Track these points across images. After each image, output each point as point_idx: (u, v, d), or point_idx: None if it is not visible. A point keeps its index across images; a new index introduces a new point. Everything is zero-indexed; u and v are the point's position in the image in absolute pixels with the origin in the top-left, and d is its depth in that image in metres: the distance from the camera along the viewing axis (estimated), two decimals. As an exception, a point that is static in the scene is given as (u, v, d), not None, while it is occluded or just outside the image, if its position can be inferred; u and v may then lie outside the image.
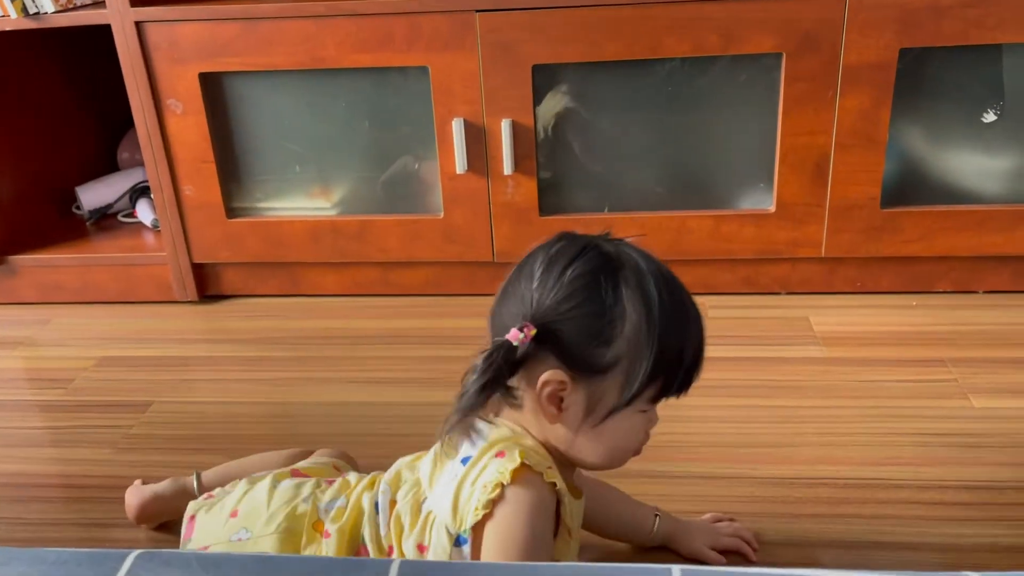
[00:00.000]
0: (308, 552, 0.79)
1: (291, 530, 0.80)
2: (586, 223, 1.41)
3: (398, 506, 0.79)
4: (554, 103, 1.39)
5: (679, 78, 1.35)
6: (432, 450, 0.78)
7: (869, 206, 1.35)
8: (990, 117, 1.33)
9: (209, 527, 0.84)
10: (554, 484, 0.72)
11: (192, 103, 1.40)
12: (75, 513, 1.05)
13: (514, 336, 0.70)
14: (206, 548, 0.81)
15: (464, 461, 0.75)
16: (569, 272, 0.71)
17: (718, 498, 0.99)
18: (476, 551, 0.73)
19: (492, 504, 0.71)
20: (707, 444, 1.09)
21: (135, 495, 0.98)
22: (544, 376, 0.71)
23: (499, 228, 1.43)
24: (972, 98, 1.33)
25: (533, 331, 0.70)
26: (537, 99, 1.35)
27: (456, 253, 1.47)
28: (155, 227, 1.61)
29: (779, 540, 0.93)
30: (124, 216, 1.71)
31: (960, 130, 1.36)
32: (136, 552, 0.57)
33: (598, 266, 0.72)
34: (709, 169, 1.42)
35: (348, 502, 0.82)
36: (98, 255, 1.56)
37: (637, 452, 0.77)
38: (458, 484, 0.73)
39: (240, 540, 0.81)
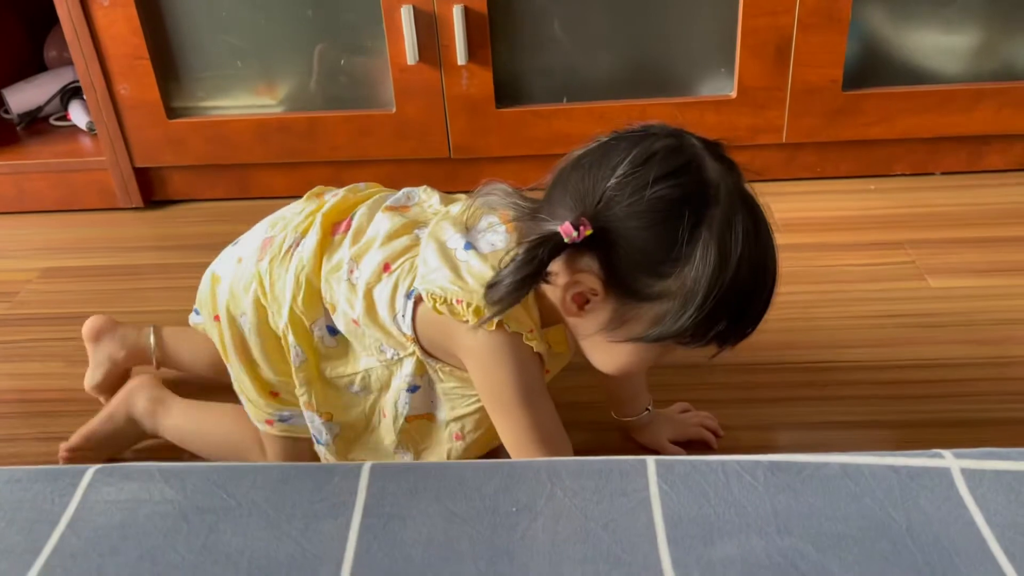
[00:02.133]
0: (299, 203, 0.86)
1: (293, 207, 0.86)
2: (545, 115, 1.36)
3: (407, 213, 0.82)
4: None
5: (637, -43, 1.29)
6: (464, 205, 0.78)
7: (830, 89, 1.33)
8: (953, -8, 1.30)
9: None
10: (531, 348, 0.72)
11: (119, -6, 1.31)
12: (34, 428, 1.02)
13: (567, 231, 0.64)
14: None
15: (467, 247, 0.73)
16: (655, 188, 0.63)
17: (683, 386, 1.00)
18: (414, 314, 0.74)
19: (452, 315, 0.70)
20: (670, 334, 1.09)
21: (97, 318, 1.03)
22: (577, 276, 0.67)
23: (454, 122, 1.38)
24: (935, -27, 1.30)
25: (589, 231, 0.64)
26: (489, -17, 1.29)
27: (410, 149, 1.42)
28: (91, 130, 1.53)
29: (740, 424, 0.95)
30: (56, 119, 1.61)
31: (922, 6, 1.33)
32: (95, 467, 0.55)
33: (689, 195, 0.63)
34: (669, 54, 1.38)
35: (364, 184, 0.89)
36: (32, 161, 1.48)
37: (643, 371, 0.75)
38: (447, 262, 0.73)
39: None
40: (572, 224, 0.64)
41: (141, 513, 0.52)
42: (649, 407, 0.92)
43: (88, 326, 1.03)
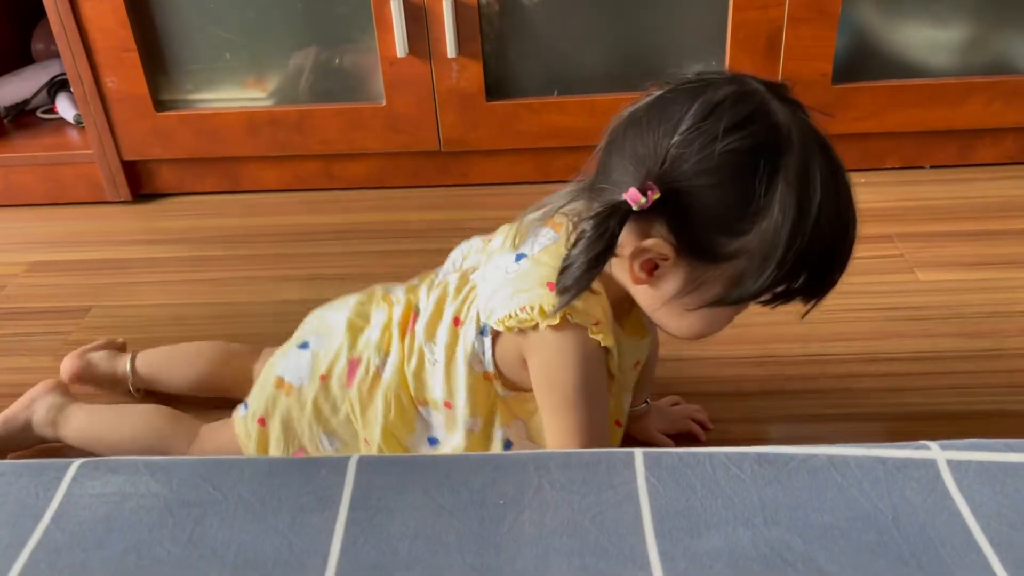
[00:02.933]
0: (376, 314, 0.81)
1: (364, 302, 0.83)
2: (536, 108, 1.36)
3: (454, 273, 0.79)
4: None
5: (628, -50, 1.28)
6: (507, 230, 0.75)
7: (821, 83, 1.33)
8: (943, -15, 1.30)
9: (308, 319, 0.88)
10: (598, 342, 0.68)
11: (107, -14, 1.30)
12: (19, 423, 1.02)
13: (634, 198, 0.59)
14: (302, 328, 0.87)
15: (518, 258, 0.71)
16: (726, 141, 0.58)
17: (675, 379, 0.99)
18: (494, 348, 0.73)
19: (520, 330, 0.69)
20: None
21: (71, 361, 1.01)
22: (647, 243, 0.62)
23: (445, 115, 1.38)
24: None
25: (657, 195, 0.59)
26: (479, -25, 1.28)
27: (400, 143, 1.41)
28: (78, 123, 1.52)
29: (731, 418, 0.95)
30: (44, 112, 1.60)
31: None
32: (79, 461, 0.55)
33: (762, 144, 0.59)
34: (660, 47, 1.37)
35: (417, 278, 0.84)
36: (19, 155, 1.47)
37: (718, 332, 0.71)
38: (502, 280, 0.71)
39: (326, 315, 0.85)
40: (639, 189, 0.59)
41: (126, 507, 0.52)
42: (648, 400, 0.92)
43: (64, 373, 1.01)
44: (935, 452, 0.52)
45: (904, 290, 1.14)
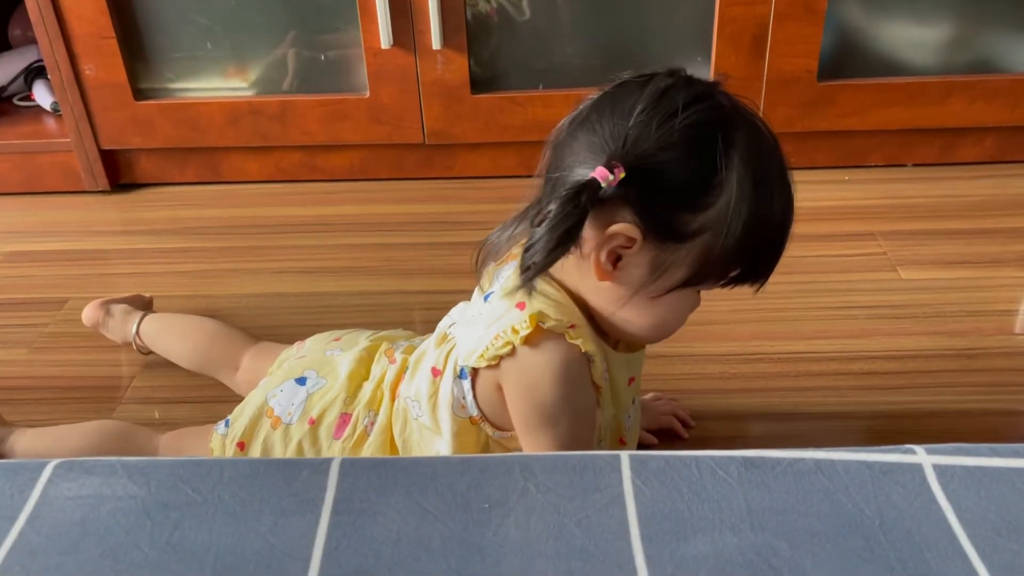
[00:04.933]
0: (374, 368, 0.82)
1: (370, 350, 0.83)
2: (521, 101, 1.35)
3: (435, 330, 0.79)
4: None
5: (615, -57, 1.28)
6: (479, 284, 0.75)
7: (806, 79, 1.33)
8: (928, -16, 1.31)
9: (314, 344, 0.87)
10: (579, 348, 0.66)
11: (85, -29, 1.28)
12: (-7, 417, 1.00)
13: (602, 175, 0.59)
14: (303, 357, 0.86)
15: (487, 298, 0.71)
16: (684, 116, 0.60)
17: (659, 376, 0.99)
18: (474, 391, 0.71)
19: (499, 359, 0.67)
20: (645, 324, 1.09)
21: (92, 311, 1.07)
22: (615, 228, 0.61)
23: (429, 108, 1.37)
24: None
25: (623, 173, 0.59)
26: (465, -34, 1.27)
27: (384, 135, 1.40)
28: (55, 111, 1.49)
29: (714, 415, 0.95)
30: (20, 99, 1.57)
31: (898, -2, 1.33)
32: (55, 462, 0.54)
33: (716, 119, 0.60)
34: (646, 42, 1.37)
35: (419, 338, 0.85)
36: (-6, 143, 1.45)
37: (680, 326, 0.71)
38: (476, 323, 0.71)
39: (332, 355, 0.84)
40: (606, 168, 0.59)
41: (103, 509, 0.51)
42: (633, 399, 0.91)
43: (86, 320, 1.07)
44: (921, 456, 0.52)
45: (887, 288, 1.14)
